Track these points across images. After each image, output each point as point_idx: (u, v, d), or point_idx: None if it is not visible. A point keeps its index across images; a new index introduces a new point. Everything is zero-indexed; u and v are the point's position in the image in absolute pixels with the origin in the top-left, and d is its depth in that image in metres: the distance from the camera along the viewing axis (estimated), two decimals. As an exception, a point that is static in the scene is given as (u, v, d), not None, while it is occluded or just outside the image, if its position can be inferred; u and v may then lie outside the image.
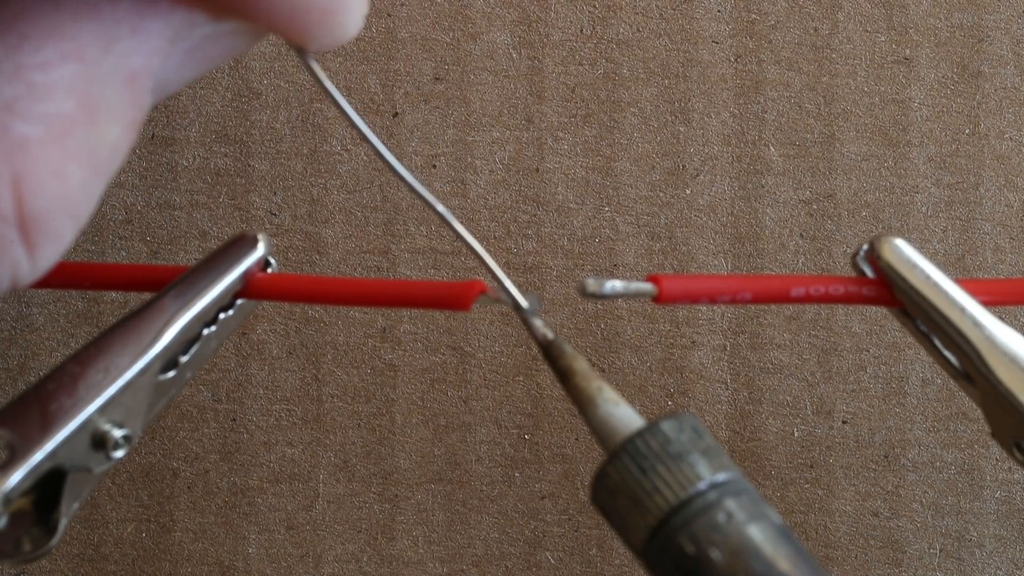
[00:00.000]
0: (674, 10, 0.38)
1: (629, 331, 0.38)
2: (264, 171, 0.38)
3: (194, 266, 0.30)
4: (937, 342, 0.31)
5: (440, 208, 0.29)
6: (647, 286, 0.29)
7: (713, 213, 0.38)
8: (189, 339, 0.30)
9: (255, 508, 0.38)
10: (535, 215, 0.38)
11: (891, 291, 0.31)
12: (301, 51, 0.27)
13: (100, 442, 0.28)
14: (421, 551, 0.38)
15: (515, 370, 0.38)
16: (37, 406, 0.27)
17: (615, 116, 0.38)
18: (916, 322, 0.31)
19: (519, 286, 0.38)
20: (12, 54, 0.23)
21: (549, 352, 0.28)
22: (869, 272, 0.31)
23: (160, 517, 0.38)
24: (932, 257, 0.32)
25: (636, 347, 0.38)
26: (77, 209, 0.24)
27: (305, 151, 0.38)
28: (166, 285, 0.29)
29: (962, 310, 0.30)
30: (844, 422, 0.38)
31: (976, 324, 0.30)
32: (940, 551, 0.38)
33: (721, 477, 0.26)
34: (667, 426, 0.26)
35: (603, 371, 0.38)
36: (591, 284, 0.28)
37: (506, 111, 0.38)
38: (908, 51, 0.38)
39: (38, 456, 0.27)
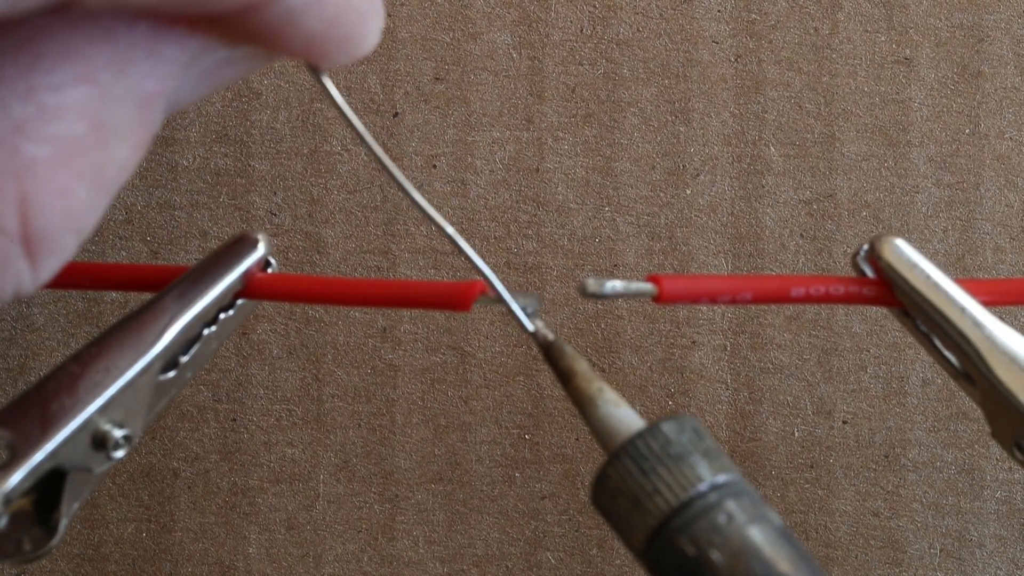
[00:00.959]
0: (674, 10, 0.38)
1: (629, 331, 0.38)
2: (264, 171, 0.38)
3: (194, 266, 0.30)
4: (937, 342, 0.31)
5: (449, 230, 0.29)
6: (647, 286, 0.29)
7: (713, 213, 0.38)
8: (189, 339, 0.30)
9: (255, 508, 0.38)
10: (535, 215, 0.38)
11: (891, 291, 0.31)
12: (315, 70, 0.27)
13: (100, 442, 0.28)
14: (421, 551, 0.38)
15: (515, 370, 0.38)
16: (37, 406, 0.27)
17: (615, 116, 0.38)
18: (916, 322, 0.31)
19: (519, 286, 0.38)
20: (25, 74, 0.23)
21: (550, 353, 0.28)
22: (869, 272, 0.31)
23: (160, 517, 0.38)
24: (932, 257, 0.32)
25: (636, 347, 0.38)
26: (81, 225, 0.24)
27: (305, 151, 0.38)
28: (166, 285, 0.29)
29: (962, 310, 0.30)
30: (844, 422, 0.38)
31: (976, 324, 0.30)
32: (940, 551, 0.38)
33: (722, 479, 0.26)
34: (668, 427, 0.26)
35: (603, 371, 0.38)
36: (591, 284, 0.28)
37: (506, 111, 0.38)
38: (908, 51, 0.38)
39: (38, 456, 0.27)
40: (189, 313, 0.29)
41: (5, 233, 0.23)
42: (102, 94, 0.24)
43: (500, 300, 0.29)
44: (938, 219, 0.38)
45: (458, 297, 0.29)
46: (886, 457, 0.38)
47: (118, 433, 0.28)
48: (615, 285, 0.28)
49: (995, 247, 0.38)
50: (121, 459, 0.28)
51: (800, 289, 0.30)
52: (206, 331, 0.30)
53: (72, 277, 0.31)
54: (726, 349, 0.38)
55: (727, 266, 0.38)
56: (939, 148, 0.38)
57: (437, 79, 0.38)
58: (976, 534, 0.38)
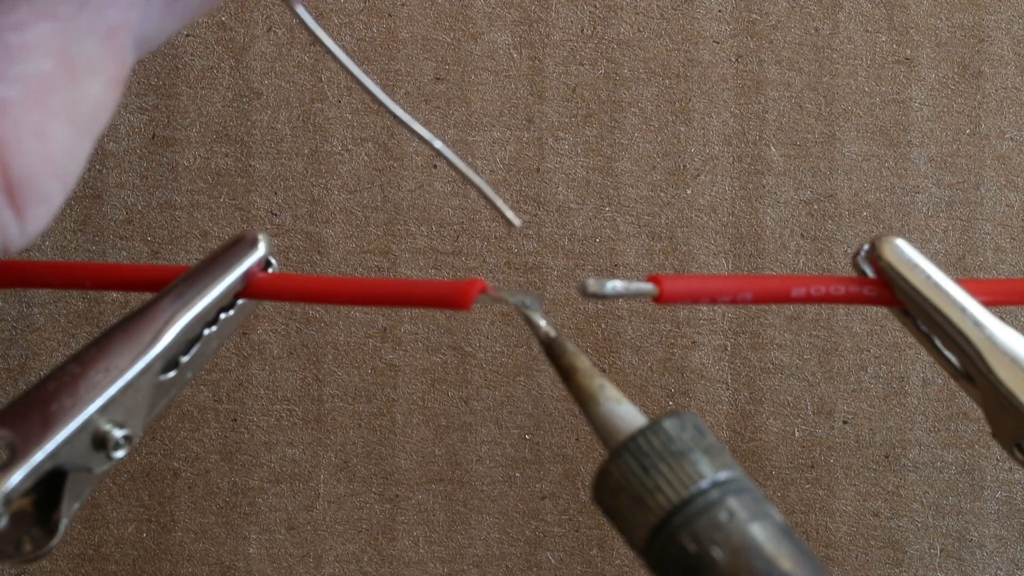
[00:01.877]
0: (675, 10, 0.38)
1: (630, 331, 0.38)
2: (265, 171, 0.38)
3: (195, 266, 0.30)
4: (938, 342, 0.31)
5: (437, 144, 0.29)
6: (648, 286, 0.29)
7: (714, 213, 0.38)
8: (190, 339, 0.29)
9: (256, 508, 0.38)
10: (536, 215, 0.38)
11: (892, 291, 0.31)
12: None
13: (101, 442, 0.28)
14: (422, 551, 0.38)
15: (516, 370, 0.38)
16: (38, 406, 0.27)
17: (616, 116, 0.38)
18: (917, 322, 0.31)
19: (520, 286, 0.38)
20: None
21: (551, 350, 0.28)
22: (870, 272, 0.31)
23: (161, 517, 0.38)
24: (933, 257, 0.32)
25: (637, 347, 0.38)
26: (63, 170, 0.24)
27: (306, 151, 0.38)
28: (167, 285, 0.29)
29: (963, 310, 0.30)
30: (845, 422, 0.38)
31: (977, 324, 0.30)
32: (940, 551, 0.38)
33: (723, 475, 0.26)
34: (669, 424, 0.26)
35: (604, 371, 0.38)
36: (592, 284, 0.28)
37: (507, 111, 0.38)
38: (909, 51, 0.38)
39: (39, 456, 0.27)
40: (189, 313, 0.29)
41: None
42: (66, 29, 0.23)
43: (501, 299, 0.29)
44: (938, 219, 0.38)
45: (458, 296, 0.29)
46: (886, 457, 0.38)
47: (118, 433, 0.28)
48: (615, 285, 0.28)
49: (995, 247, 0.38)
50: (121, 459, 0.28)
51: (800, 289, 0.30)
52: (206, 331, 0.30)
53: (72, 277, 0.31)
54: (726, 349, 0.38)
55: (727, 266, 0.38)
56: (939, 148, 0.38)
57: (437, 79, 0.38)
58: (976, 534, 0.38)
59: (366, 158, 0.38)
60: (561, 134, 0.38)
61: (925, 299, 0.30)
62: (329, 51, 0.28)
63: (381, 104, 0.29)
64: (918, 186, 0.38)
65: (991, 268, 0.38)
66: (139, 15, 0.25)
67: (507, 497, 0.38)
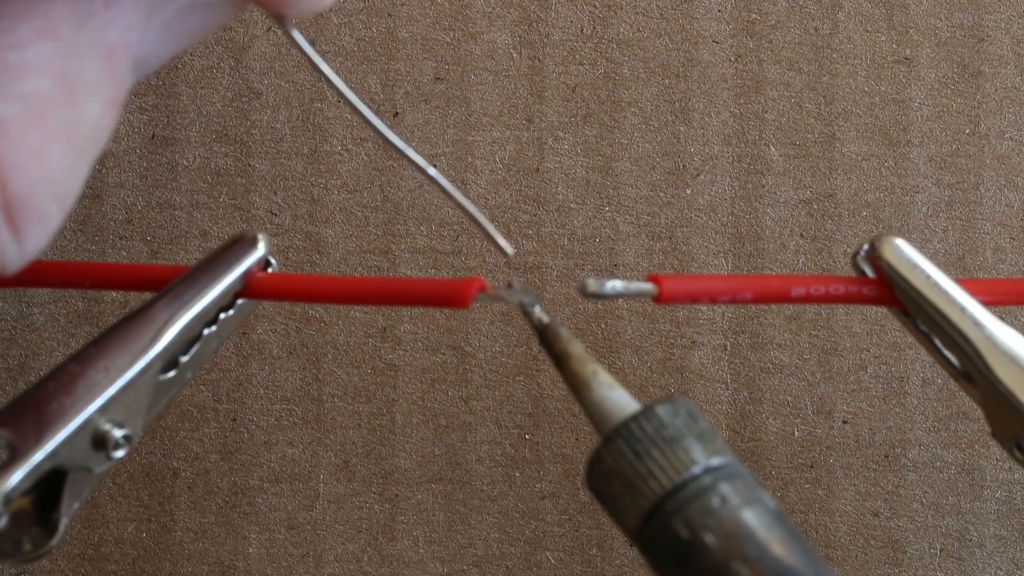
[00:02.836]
0: (674, 10, 0.38)
1: (629, 331, 0.38)
2: (264, 171, 0.38)
3: (194, 266, 0.30)
4: (937, 342, 0.31)
5: (432, 171, 0.29)
6: (647, 286, 0.29)
7: (713, 213, 0.38)
8: (189, 339, 0.29)
9: (255, 508, 0.38)
10: (535, 215, 0.38)
11: (891, 291, 0.31)
12: (280, 19, 0.27)
13: (100, 442, 0.28)
14: (421, 551, 0.38)
15: (515, 370, 0.38)
16: (37, 406, 0.27)
17: (615, 116, 0.38)
18: (916, 322, 0.31)
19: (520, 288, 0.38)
20: None
21: (544, 336, 0.28)
22: (869, 272, 0.31)
23: (161, 517, 0.38)
24: (932, 257, 0.32)
25: (636, 347, 0.38)
26: (61, 190, 0.24)
27: (306, 151, 0.38)
28: (166, 285, 0.29)
29: (962, 310, 0.30)
30: (844, 422, 0.38)
31: (976, 324, 0.30)
32: (940, 551, 0.38)
33: (716, 461, 0.26)
34: (662, 410, 0.26)
35: (603, 371, 0.38)
36: (592, 284, 0.28)
37: (506, 111, 0.38)
38: (908, 51, 0.38)
39: (39, 456, 0.27)
40: (189, 313, 0.29)
41: None
42: (65, 49, 0.23)
43: (500, 298, 0.29)
44: (938, 219, 0.38)
45: (457, 294, 0.29)
46: (886, 457, 0.38)
47: (118, 433, 0.28)
48: (615, 285, 0.28)
49: (995, 247, 0.38)
50: (121, 459, 0.28)
51: (800, 289, 0.30)
52: (206, 331, 0.30)
53: (72, 277, 0.31)
54: (726, 349, 0.38)
55: (727, 266, 0.38)
56: (939, 148, 0.38)
57: (437, 79, 0.38)
58: (976, 534, 0.38)
59: (366, 158, 0.38)
60: (561, 134, 0.38)
61: (925, 299, 0.30)
62: (325, 76, 0.28)
63: (376, 130, 0.29)
64: (918, 186, 0.38)
65: (991, 268, 0.38)
66: (138, 37, 0.25)
67: (507, 497, 0.38)
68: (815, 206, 0.38)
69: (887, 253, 0.30)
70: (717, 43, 0.38)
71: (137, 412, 0.28)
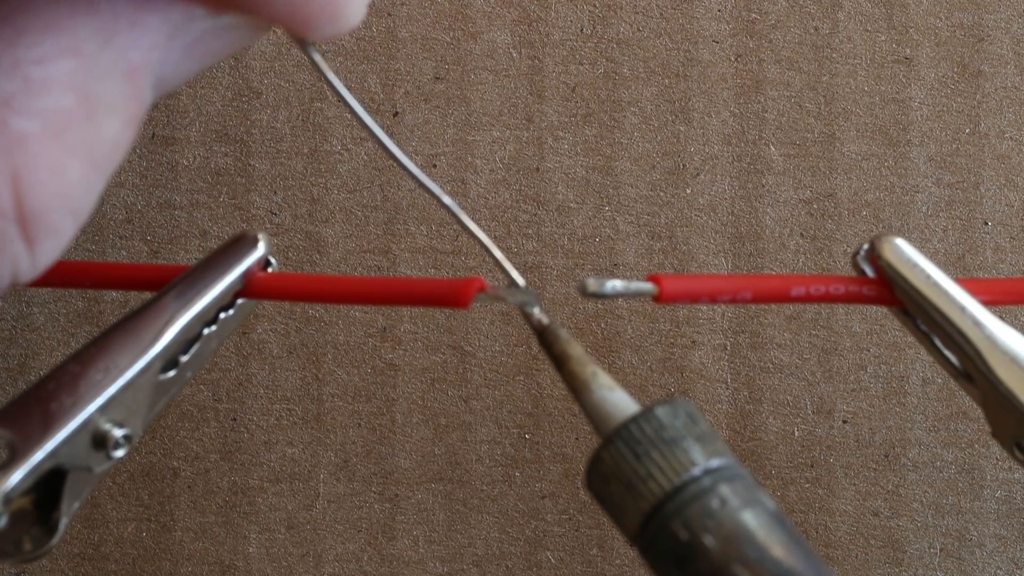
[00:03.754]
0: (674, 9, 0.38)
1: (629, 331, 0.38)
2: (264, 170, 0.38)
3: (194, 266, 0.30)
4: (937, 341, 0.31)
5: (446, 200, 0.29)
6: (647, 286, 0.29)
7: (713, 212, 0.38)
8: (189, 339, 0.29)
9: (255, 507, 0.38)
10: (535, 214, 0.38)
11: (891, 291, 0.31)
12: (302, 42, 0.27)
13: (100, 441, 0.28)
14: (421, 550, 0.38)
15: (515, 369, 0.38)
16: (37, 406, 0.27)
17: (615, 115, 0.38)
18: (916, 321, 0.31)
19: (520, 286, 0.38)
20: (9, 49, 0.23)
21: (544, 338, 0.28)
22: (869, 271, 0.31)
23: (161, 516, 0.38)
24: (932, 257, 0.32)
25: (636, 347, 0.38)
26: (77, 205, 0.24)
27: (305, 150, 0.38)
28: (166, 285, 0.29)
29: (962, 309, 0.30)
30: (844, 421, 0.38)
31: (976, 323, 0.30)
32: (940, 551, 0.38)
33: (715, 463, 0.26)
34: (662, 411, 0.26)
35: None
36: (591, 284, 0.28)
37: (506, 110, 0.38)
38: (908, 50, 0.38)
39: (39, 456, 0.27)
40: (189, 313, 0.29)
41: (0, 213, 0.23)
42: (88, 66, 0.24)
43: (499, 298, 0.29)
44: (938, 219, 0.38)
45: (457, 294, 0.29)
46: (886, 457, 0.38)
47: (118, 432, 0.28)
48: (615, 285, 0.28)
49: (995, 247, 0.38)
50: (121, 458, 0.28)
51: (800, 288, 0.30)
52: (206, 330, 0.30)
53: (72, 276, 0.31)
54: (726, 348, 0.38)
55: (727, 266, 0.38)
56: (939, 147, 0.38)
57: (437, 78, 0.38)
58: (976, 534, 0.38)
59: (365, 157, 0.38)
60: (561, 133, 0.38)
61: (925, 298, 0.30)
62: (344, 99, 0.28)
63: (396, 159, 0.29)
64: (918, 185, 0.38)
65: (991, 267, 0.38)
66: (161, 57, 0.25)
67: (507, 497, 0.38)
68: (815, 206, 0.38)
69: (887, 253, 0.30)
70: (717, 43, 0.38)
71: (137, 412, 0.28)
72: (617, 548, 0.38)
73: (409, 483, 0.38)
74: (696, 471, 0.26)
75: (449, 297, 0.29)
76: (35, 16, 0.24)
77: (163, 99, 0.27)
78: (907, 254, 0.30)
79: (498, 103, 0.38)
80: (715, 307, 0.38)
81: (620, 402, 0.27)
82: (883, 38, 0.38)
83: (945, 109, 0.38)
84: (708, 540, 0.25)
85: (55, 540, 0.28)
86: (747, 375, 0.38)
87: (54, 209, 0.24)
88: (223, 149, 0.38)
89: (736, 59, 0.38)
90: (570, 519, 0.38)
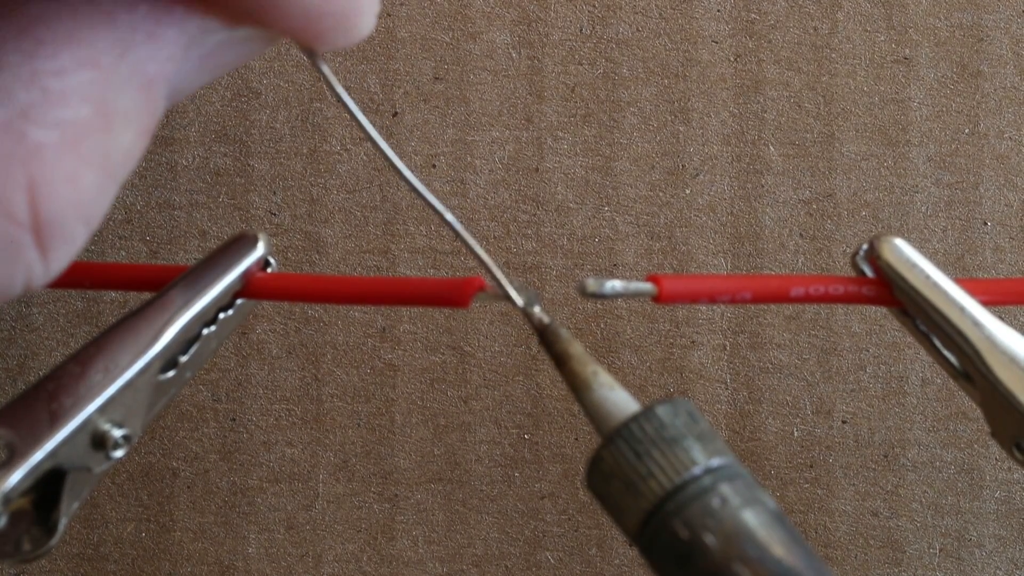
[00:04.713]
0: (674, 9, 0.38)
1: (629, 331, 0.38)
2: (264, 171, 0.38)
3: (194, 266, 0.30)
4: (937, 342, 0.31)
5: (448, 216, 0.29)
6: (647, 286, 0.29)
7: (713, 213, 0.38)
8: (189, 339, 0.30)
9: (255, 508, 0.38)
10: (535, 215, 0.38)
11: (891, 291, 0.31)
12: (311, 54, 0.27)
13: (100, 442, 0.28)
14: (421, 551, 0.38)
15: (515, 370, 0.38)
16: (37, 406, 0.27)
17: (615, 116, 0.38)
18: (916, 322, 0.31)
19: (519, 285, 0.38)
20: (28, 60, 0.23)
21: (544, 337, 0.28)
22: (869, 272, 0.31)
23: (160, 517, 0.38)
24: (932, 257, 0.32)
25: (636, 347, 0.38)
26: (90, 213, 0.25)
27: (305, 151, 0.38)
28: (166, 285, 0.29)
29: (962, 310, 0.30)
30: (844, 422, 0.38)
31: (976, 324, 0.30)
32: (940, 551, 0.38)
33: (716, 462, 0.26)
34: (662, 410, 0.26)
35: (603, 371, 0.38)
36: (591, 284, 0.28)
37: (506, 111, 0.38)
38: (908, 51, 0.38)
39: (38, 456, 0.27)
40: (188, 313, 0.29)
41: (15, 220, 0.23)
42: (105, 78, 0.24)
43: (498, 296, 0.29)
44: (937, 219, 0.38)
45: (457, 294, 0.29)
46: (886, 457, 0.38)
47: (117, 433, 0.28)
48: (615, 285, 0.28)
49: (995, 247, 0.38)
50: (120, 459, 0.28)
51: (800, 289, 0.30)
52: (205, 331, 0.30)
53: (72, 277, 0.31)
54: (726, 349, 0.38)
55: (727, 266, 0.38)
56: (939, 148, 0.38)
57: (437, 79, 0.38)
58: (975, 534, 0.38)
59: (365, 158, 0.38)
60: (560, 134, 0.38)
61: (924, 299, 0.30)
62: (352, 114, 0.28)
63: (404, 177, 0.29)
64: (917, 186, 0.38)
65: (990, 268, 0.38)
66: (176, 68, 0.25)
67: (506, 497, 0.38)
68: (814, 206, 0.38)
69: (886, 253, 0.30)
70: (716, 43, 0.38)
71: (136, 412, 0.29)
72: (616, 548, 0.38)
73: (408, 483, 0.38)
74: (697, 470, 0.26)
75: (449, 297, 0.29)
76: (54, 28, 0.24)
77: (174, 106, 0.27)
78: (906, 254, 0.30)
79: (497, 103, 0.38)
80: (714, 307, 0.38)
81: (621, 401, 0.27)
82: (882, 38, 0.38)
83: (944, 109, 0.38)
84: (709, 538, 0.25)
85: (54, 540, 0.28)
86: (746, 375, 0.38)
87: (68, 218, 0.24)
88: (222, 149, 0.38)
89: (735, 59, 0.38)
90: (569, 519, 0.38)
